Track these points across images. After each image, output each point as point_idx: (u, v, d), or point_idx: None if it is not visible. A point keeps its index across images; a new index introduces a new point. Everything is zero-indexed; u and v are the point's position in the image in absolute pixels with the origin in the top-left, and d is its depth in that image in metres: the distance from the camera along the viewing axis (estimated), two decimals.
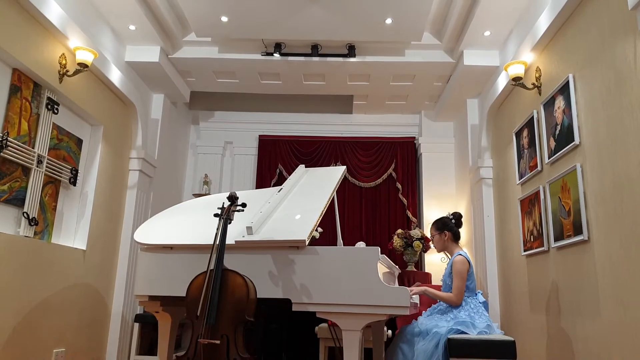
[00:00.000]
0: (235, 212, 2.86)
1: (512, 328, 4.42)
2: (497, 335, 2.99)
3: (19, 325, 3.49)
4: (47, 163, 3.94)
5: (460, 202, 5.96)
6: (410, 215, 6.24)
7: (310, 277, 2.84)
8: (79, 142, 4.48)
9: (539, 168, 3.84)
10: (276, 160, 6.62)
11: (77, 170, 4.38)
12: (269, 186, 6.46)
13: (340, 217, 6.12)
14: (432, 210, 6.13)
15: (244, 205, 2.86)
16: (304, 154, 6.61)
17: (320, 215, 3.17)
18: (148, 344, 5.30)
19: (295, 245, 2.89)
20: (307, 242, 2.86)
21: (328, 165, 6.48)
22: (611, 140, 2.89)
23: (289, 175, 6.32)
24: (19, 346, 3.49)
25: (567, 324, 3.37)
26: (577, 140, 3.24)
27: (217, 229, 2.75)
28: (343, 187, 6.36)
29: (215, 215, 2.82)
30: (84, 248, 4.39)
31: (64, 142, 4.25)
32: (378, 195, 6.45)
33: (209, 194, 6.38)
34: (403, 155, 6.51)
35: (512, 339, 2.87)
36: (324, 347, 4.49)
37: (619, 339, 2.75)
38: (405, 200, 6.32)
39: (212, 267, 2.64)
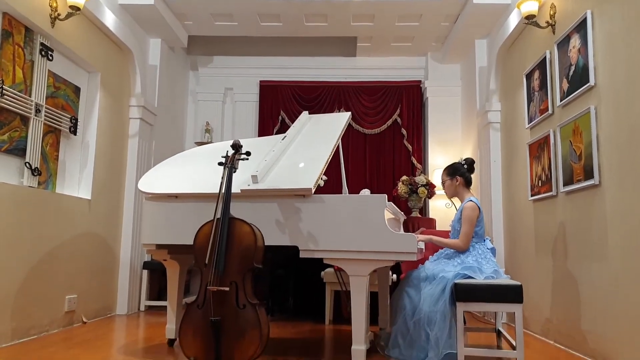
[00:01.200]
0: (240, 161, 2.80)
1: (516, 272, 4.45)
2: (504, 280, 3.00)
3: (30, 273, 3.53)
4: (46, 112, 3.85)
5: (467, 148, 5.88)
6: (415, 161, 6.18)
7: (317, 225, 2.82)
8: (76, 90, 4.37)
9: (549, 111, 3.73)
10: (278, 107, 6.49)
11: (76, 119, 4.30)
12: (272, 134, 6.37)
13: (345, 165, 6.08)
14: (438, 157, 6.07)
15: (248, 153, 2.81)
16: (306, 100, 6.47)
17: (326, 164, 3.12)
18: (157, 290, 5.40)
19: (301, 194, 2.86)
20: (313, 191, 2.82)
21: (331, 111, 6.36)
22: (630, 81, 2.77)
23: (292, 122, 6.26)
24: (32, 293, 3.54)
25: (574, 268, 3.38)
26: (592, 82, 3.12)
27: (222, 177, 2.71)
28: (347, 134, 6.26)
29: (220, 163, 2.77)
30: (89, 198, 4.37)
31: (61, 91, 4.14)
32: (383, 142, 6.36)
33: (211, 142, 6.31)
34: (408, 100, 6.37)
35: (519, 283, 2.88)
36: (330, 291, 4.56)
37: (625, 283, 2.76)
38: (410, 147, 6.24)
39: (218, 215, 2.62)
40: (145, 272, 5.17)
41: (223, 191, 2.68)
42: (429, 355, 2.94)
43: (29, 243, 3.54)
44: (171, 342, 3.32)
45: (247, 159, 2.81)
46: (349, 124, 5.56)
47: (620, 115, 2.86)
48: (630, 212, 2.74)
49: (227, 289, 2.49)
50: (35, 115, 3.73)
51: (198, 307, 2.53)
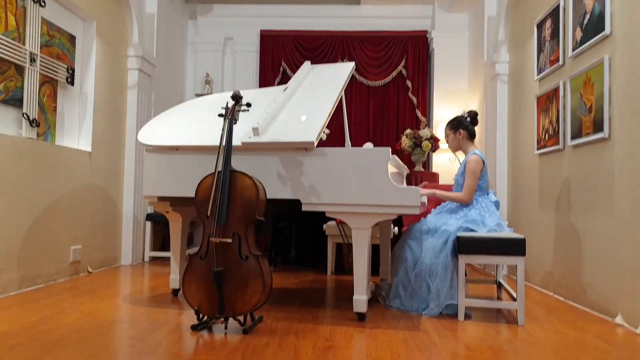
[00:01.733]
0: (240, 112, 2.74)
1: (518, 225, 4.46)
2: (507, 232, 2.99)
3: (34, 225, 3.54)
4: (41, 61, 3.76)
5: (472, 100, 5.77)
6: (419, 114, 6.08)
7: (320, 178, 2.79)
8: (72, 38, 4.24)
9: (560, 62, 3.62)
10: (279, 58, 6.34)
11: (73, 70, 4.20)
12: (273, 85, 6.24)
13: (348, 117, 5.99)
14: (443, 110, 5.96)
15: (248, 105, 2.74)
16: (308, 50, 6.30)
17: (329, 117, 3.05)
18: (161, 241, 5.44)
19: (303, 147, 2.81)
20: (315, 144, 2.77)
21: (334, 62, 6.18)
22: None
23: (293, 73, 6.13)
24: (36, 244, 3.56)
25: (577, 221, 3.37)
26: (607, 30, 3.00)
27: (223, 129, 2.65)
28: (350, 86, 6.15)
29: (220, 115, 2.71)
30: (89, 150, 4.34)
31: (56, 39, 4.02)
32: (387, 94, 6.24)
33: (211, 93, 6.20)
34: (414, 51, 6.20)
35: (522, 236, 2.87)
36: (332, 243, 4.60)
37: (631, 237, 2.74)
38: (414, 99, 6.13)
39: (219, 168, 2.58)
40: (148, 223, 5.20)
41: (224, 143, 2.63)
42: (429, 306, 2.97)
43: (30, 194, 3.53)
44: (175, 292, 3.36)
45: (248, 110, 2.74)
46: (353, 75, 5.45)
47: (635, 66, 2.76)
48: (638, 166, 2.69)
49: (229, 240, 2.48)
50: (30, 65, 3.64)
51: (201, 258, 2.54)
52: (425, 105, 6.17)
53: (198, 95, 6.22)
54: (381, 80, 6.24)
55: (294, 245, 5.29)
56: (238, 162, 2.84)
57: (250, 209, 2.54)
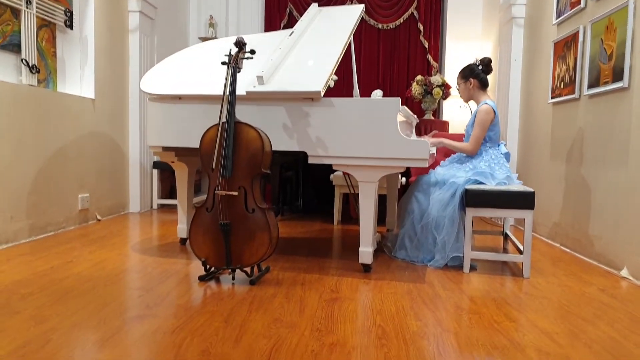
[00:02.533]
0: (245, 60, 2.65)
1: (528, 175, 4.41)
2: (516, 185, 2.94)
3: (40, 173, 3.54)
4: (37, 3, 3.64)
5: (486, 45, 5.56)
6: (431, 59, 5.88)
7: (326, 130, 2.73)
8: None
9: (582, 5, 3.43)
10: None
11: (71, 12, 4.07)
12: (279, 28, 6.05)
13: (357, 61, 5.84)
14: (455, 55, 5.77)
15: (252, 52, 2.64)
16: None
17: (336, 64, 2.95)
18: (169, 189, 5.47)
19: (309, 97, 2.73)
20: (322, 94, 2.69)
21: (343, 3, 5.96)
22: None
23: (300, 15, 5.91)
24: (44, 193, 3.57)
25: (589, 174, 3.31)
26: None
27: (226, 78, 2.57)
28: (359, 29, 5.93)
29: (223, 63, 2.62)
30: (93, 97, 4.27)
31: None
32: (397, 38, 6.02)
33: (215, 37, 6.03)
34: None
35: (531, 189, 2.82)
36: (339, 193, 4.59)
37: None
38: (426, 44, 5.91)
39: (223, 119, 2.52)
40: (155, 171, 5.20)
41: (227, 93, 2.56)
42: (435, 258, 2.99)
43: (34, 143, 3.51)
44: (183, 241, 3.40)
45: (252, 57, 2.64)
46: (362, 17, 5.24)
47: None
48: None
49: (235, 193, 2.47)
50: (26, 7, 3.52)
51: (207, 210, 2.53)
52: (437, 50, 5.96)
53: (202, 39, 6.05)
54: (392, 23, 6.00)
55: (301, 194, 5.29)
56: (243, 113, 2.78)
57: (256, 162, 2.50)
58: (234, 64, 2.59)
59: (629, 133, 2.85)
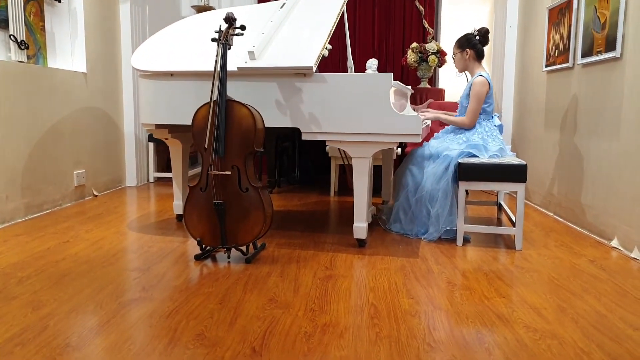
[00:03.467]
0: (235, 37, 2.60)
1: (522, 144, 4.41)
2: (509, 158, 2.95)
3: (34, 151, 3.53)
4: None
5: (482, 10, 5.45)
6: (426, 25, 5.77)
7: (319, 106, 2.72)
8: None
9: None
10: None
11: None
12: None
13: (351, 30, 5.74)
14: (451, 20, 5.66)
15: (243, 27, 2.59)
16: None
17: (329, 36, 2.91)
18: (165, 161, 5.46)
19: (302, 72, 2.70)
20: (314, 69, 2.66)
21: None
22: None
23: None
24: (39, 171, 3.58)
25: (581, 143, 3.31)
26: None
27: (217, 55, 2.54)
28: None
29: (213, 40, 2.58)
30: (85, 71, 4.22)
31: None
32: (392, 3, 5.89)
33: (208, 4, 5.90)
34: None
35: (523, 162, 2.83)
36: (334, 165, 4.60)
37: (635, 163, 2.70)
38: (422, 9, 5.79)
39: (215, 97, 2.50)
40: (151, 144, 5.19)
41: (218, 69, 2.53)
42: (429, 231, 3.02)
43: (27, 120, 3.49)
44: (179, 217, 3.42)
45: (242, 34, 2.60)
46: None
47: None
48: None
49: (228, 172, 2.47)
50: None
51: (201, 190, 2.54)
52: (433, 15, 5.84)
53: (195, 7, 5.92)
54: None
55: (297, 165, 5.30)
56: (235, 89, 2.76)
57: (249, 140, 2.50)
58: (224, 41, 2.55)
59: (621, 104, 2.84)
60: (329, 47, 5.41)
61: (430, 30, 5.78)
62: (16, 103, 3.38)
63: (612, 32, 2.90)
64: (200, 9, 5.91)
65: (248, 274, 2.33)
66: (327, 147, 4.43)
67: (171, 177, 5.03)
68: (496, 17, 4.87)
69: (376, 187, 4.10)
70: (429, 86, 5.30)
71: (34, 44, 3.76)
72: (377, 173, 4.27)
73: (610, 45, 2.92)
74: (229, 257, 2.54)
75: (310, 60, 2.67)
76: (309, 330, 1.73)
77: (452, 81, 5.51)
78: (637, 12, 2.71)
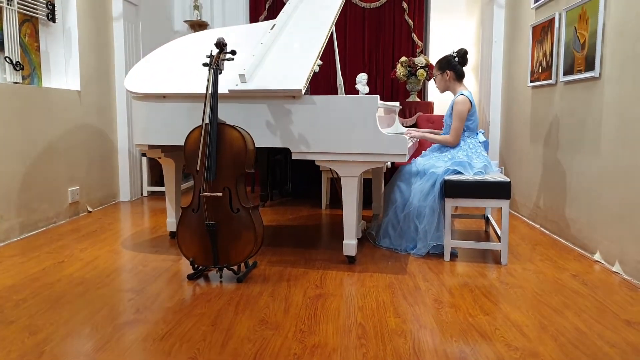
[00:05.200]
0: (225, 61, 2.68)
1: (510, 157, 4.50)
2: (493, 175, 3.03)
3: (29, 170, 3.58)
4: None
5: (470, 25, 5.56)
6: (416, 38, 5.88)
7: (308, 126, 2.79)
8: None
9: None
10: None
11: (53, 5, 4.03)
12: (264, 10, 6.01)
13: (342, 43, 5.84)
14: (440, 33, 5.77)
15: (233, 52, 2.67)
16: None
17: (318, 56, 2.99)
18: (158, 175, 5.51)
19: (291, 95, 2.77)
20: (303, 92, 2.74)
21: None
22: None
23: None
24: (34, 189, 3.62)
25: (564, 158, 3.40)
26: None
27: (208, 80, 2.61)
28: (344, 9, 5.89)
29: (205, 64, 2.65)
30: (79, 89, 4.27)
31: None
32: (382, 17, 6.00)
33: (200, 19, 5.99)
34: None
35: (507, 179, 2.92)
36: (326, 178, 4.67)
37: (614, 180, 2.79)
38: (411, 22, 5.90)
39: (206, 120, 2.57)
40: (144, 158, 5.24)
41: (210, 92, 2.60)
42: (417, 246, 3.09)
43: (22, 140, 3.54)
44: (173, 234, 3.48)
45: (233, 58, 2.68)
46: None
47: (630, 2, 2.65)
48: (626, 108, 2.68)
49: (220, 194, 2.54)
50: (8, 4, 3.50)
51: (193, 211, 2.61)
52: (422, 29, 5.95)
53: (187, 22, 6.01)
54: (376, 2, 5.97)
55: (289, 178, 5.37)
56: (227, 110, 2.83)
57: (240, 162, 2.57)
58: (214, 66, 2.62)
59: (600, 122, 2.93)
60: (320, 62, 5.50)
61: (420, 43, 5.88)
62: (11, 123, 3.43)
63: (591, 52, 3.00)
64: (193, 24, 6.00)
65: (240, 293, 2.39)
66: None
67: (164, 191, 5.11)
68: (483, 31, 4.98)
69: (367, 200, 4.17)
70: (418, 99, 5.39)
71: (28, 65, 3.82)
72: (367, 186, 4.34)
73: (589, 65, 3.02)
74: (221, 276, 2.60)
75: (299, 83, 2.75)
76: (298, 352, 1.80)
77: (441, 95, 5.61)
78: (613, 35, 2.81)
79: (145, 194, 5.28)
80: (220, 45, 2.64)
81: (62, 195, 4.00)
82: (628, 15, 2.67)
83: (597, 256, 2.96)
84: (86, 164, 4.36)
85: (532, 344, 1.89)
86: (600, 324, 2.07)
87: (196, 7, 6.04)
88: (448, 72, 3.31)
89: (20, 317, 2.09)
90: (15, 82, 3.58)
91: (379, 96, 2.73)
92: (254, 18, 6.09)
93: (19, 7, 3.62)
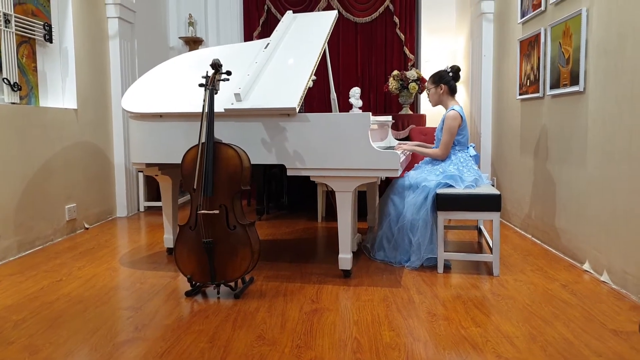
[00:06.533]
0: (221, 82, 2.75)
1: (501, 168, 4.57)
2: (484, 188, 3.10)
3: (27, 189, 3.63)
4: (16, 21, 3.67)
5: (460, 38, 5.67)
6: (407, 52, 5.98)
7: (303, 144, 2.85)
8: None
9: (542, 8, 3.56)
10: None
11: (50, 26, 4.10)
12: (257, 26, 6.12)
13: (335, 57, 5.94)
14: (430, 47, 5.88)
15: (229, 73, 2.74)
16: None
17: (311, 74, 3.07)
18: (155, 191, 5.55)
19: (285, 113, 2.84)
20: (297, 110, 2.81)
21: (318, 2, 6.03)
22: None
23: (278, 12, 5.99)
24: (31, 207, 3.67)
25: (553, 170, 3.48)
26: None
27: (204, 100, 2.68)
28: (337, 24, 5.94)
29: (200, 85, 2.72)
30: (75, 107, 4.33)
31: None
32: (374, 31, 6.11)
33: (195, 35, 6.07)
34: None
35: (497, 192, 2.98)
36: (321, 191, 4.73)
37: (600, 191, 2.86)
38: (402, 36, 6.01)
39: (203, 140, 2.63)
40: (140, 174, 5.29)
41: (206, 111, 2.67)
42: (411, 259, 3.15)
43: (20, 159, 3.59)
44: (170, 250, 3.52)
45: (228, 79, 2.75)
46: (339, 13, 5.29)
47: (611, 20, 2.75)
48: (609, 121, 2.76)
49: (216, 212, 2.59)
50: (5, 27, 3.56)
51: (190, 228, 2.66)
52: (413, 42, 6.06)
53: (182, 39, 6.09)
54: (368, 17, 6.08)
55: (285, 191, 5.42)
56: (223, 129, 2.89)
57: (236, 180, 2.63)
58: (210, 86, 2.69)
59: (585, 135, 3.01)
60: (314, 77, 5.58)
61: (411, 56, 5.99)
62: (9, 143, 3.48)
63: (575, 67, 3.09)
64: (188, 40, 6.08)
65: (237, 309, 2.44)
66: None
67: (161, 206, 5.15)
68: (472, 45, 5.08)
69: (362, 212, 4.23)
70: (410, 112, 5.48)
71: (26, 85, 3.88)
72: (362, 198, 4.40)
73: (574, 79, 3.10)
74: (218, 292, 2.65)
75: (293, 101, 2.82)
76: None
77: (433, 108, 5.70)
78: (595, 51, 2.90)
79: (142, 209, 5.32)
80: (216, 66, 2.71)
81: (59, 213, 4.04)
82: (609, 33, 2.76)
83: (586, 266, 3.02)
84: (83, 181, 4.41)
85: (522, 355, 1.94)
86: (588, 333, 2.13)
87: (191, 24, 6.13)
88: (442, 86, 3.40)
89: (20, 337, 2.13)
90: (13, 103, 3.63)
91: (371, 113, 2.80)
92: (247, 34, 6.18)
93: (16, 29, 3.68)
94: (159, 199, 5.41)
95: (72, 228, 4.21)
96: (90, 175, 4.53)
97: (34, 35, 3.93)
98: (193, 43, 6.06)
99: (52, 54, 4.20)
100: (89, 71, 4.54)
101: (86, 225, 4.41)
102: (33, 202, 3.71)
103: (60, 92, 4.29)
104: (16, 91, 3.68)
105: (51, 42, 4.13)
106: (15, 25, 3.66)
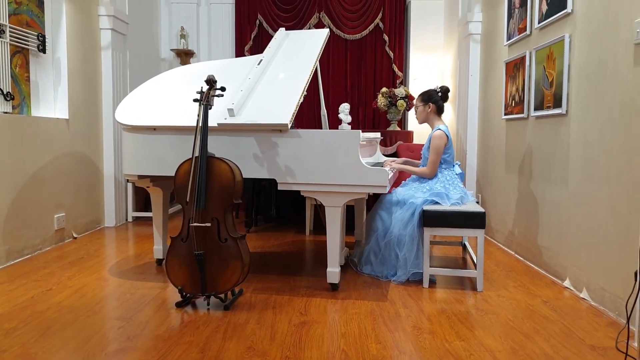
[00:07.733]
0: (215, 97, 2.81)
1: (486, 185, 4.68)
2: (469, 205, 3.19)
3: (17, 198, 3.64)
4: (10, 31, 3.71)
5: (447, 57, 5.82)
6: (396, 69, 6.12)
7: (294, 159, 2.92)
8: (40, 3, 4.15)
9: (527, 32, 3.70)
10: (255, 10, 6.22)
11: (44, 36, 4.14)
12: (249, 40, 6.21)
13: (325, 73, 6.04)
14: (419, 65, 6.01)
15: (223, 89, 2.80)
16: (285, 3, 6.20)
17: (303, 91, 3.14)
18: (143, 201, 5.58)
19: (278, 129, 2.91)
20: (289, 126, 2.88)
21: (310, 16, 6.15)
22: (604, 12, 2.75)
23: (270, 27, 6.10)
24: (21, 216, 3.67)
25: (536, 188, 3.59)
26: (569, 8, 3.08)
27: (198, 115, 2.73)
28: (328, 41, 6.10)
29: (195, 100, 2.78)
30: (67, 117, 4.35)
31: (23, 6, 3.94)
32: (364, 48, 6.24)
33: (187, 48, 6.14)
34: (391, 4, 6.13)
35: (482, 210, 3.08)
36: (309, 204, 4.79)
37: (581, 210, 2.97)
38: (392, 54, 6.14)
39: (196, 153, 2.69)
40: (129, 185, 5.31)
41: (200, 126, 2.72)
42: (397, 274, 3.22)
43: (11, 169, 3.60)
44: (159, 261, 3.54)
45: (222, 95, 2.81)
46: (330, 29, 5.40)
47: (592, 46, 2.87)
48: (590, 142, 2.87)
49: (208, 224, 2.64)
50: (0, 37, 3.59)
51: (182, 240, 2.70)
52: (402, 60, 6.20)
53: (174, 51, 6.15)
54: (358, 34, 6.21)
55: (274, 204, 5.47)
56: (216, 143, 2.95)
57: (228, 193, 2.68)
58: (205, 102, 2.75)
59: (567, 156, 3.12)
60: (305, 93, 5.66)
61: (400, 74, 6.12)
62: (1, 153, 3.49)
63: (558, 90, 3.21)
64: (180, 52, 6.14)
65: (227, 321, 2.48)
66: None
67: (149, 217, 5.16)
68: (460, 64, 5.21)
69: (350, 226, 4.29)
70: (398, 128, 5.58)
71: (18, 94, 3.90)
72: (350, 213, 4.47)
73: (557, 102, 3.22)
74: (208, 304, 2.68)
75: (285, 118, 2.89)
76: None
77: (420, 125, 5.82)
78: (577, 75, 3.03)
79: (129, 219, 5.33)
80: (211, 82, 2.77)
81: (48, 222, 4.05)
82: (590, 58, 2.89)
83: (567, 283, 3.12)
84: (73, 191, 4.42)
85: None
86: (567, 348, 2.21)
87: (183, 36, 6.20)
88: (430, 104, 3.50)
89: (13, 345, 2.15)
90: (6, 112, 3.65)
91: (360, 131, 2.88)
92: (239, 47, 6.27)
93: (11, 40, 3.71)
94: (147, 209, 5.45)
95: (61, 237, 4.22)
96: (80, 185, 4.55)
97: (28, 45, 3.96)
98: (185, 55, 6.12)
99: (45, 64, 4.24)
100: (80, 81, 4.58)
101: (74, 235, 4.41)
102: (23, 211, 3.72)
103: (52, 102, 4.32)
104: (9, 101, 3.70)
105: (44, 52, 4.16)
106: (10, 36, 3.70)
